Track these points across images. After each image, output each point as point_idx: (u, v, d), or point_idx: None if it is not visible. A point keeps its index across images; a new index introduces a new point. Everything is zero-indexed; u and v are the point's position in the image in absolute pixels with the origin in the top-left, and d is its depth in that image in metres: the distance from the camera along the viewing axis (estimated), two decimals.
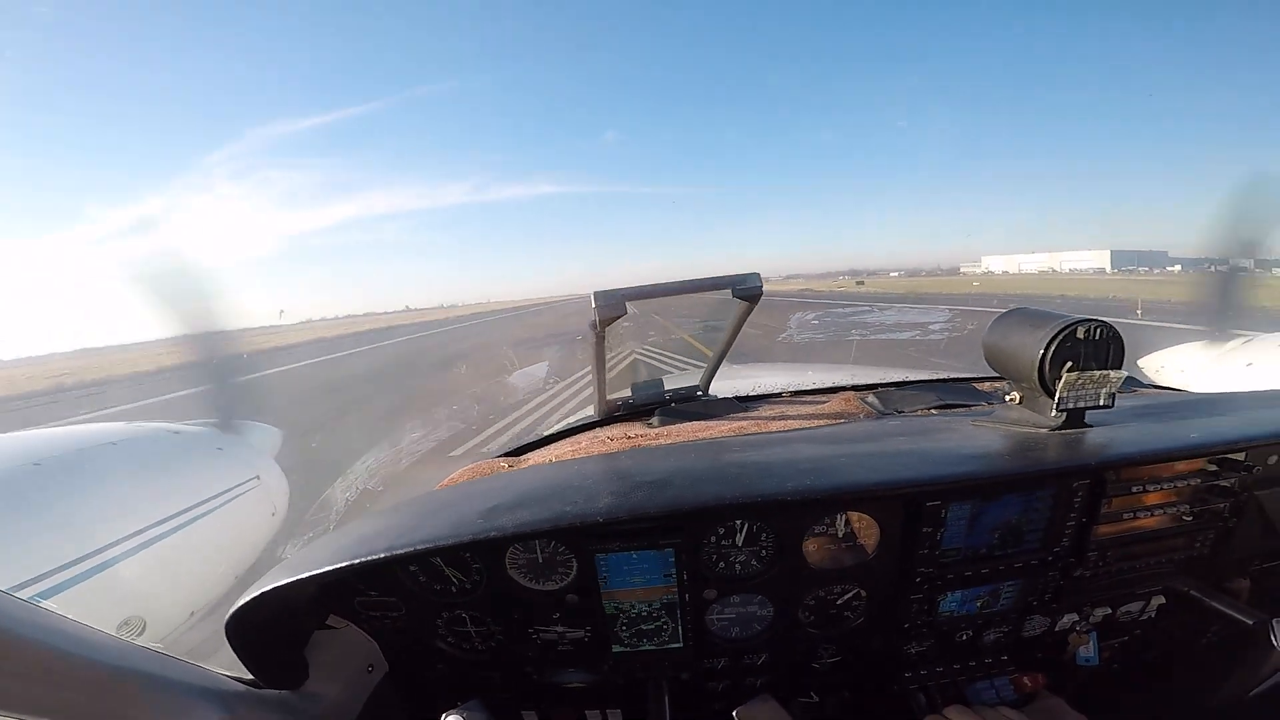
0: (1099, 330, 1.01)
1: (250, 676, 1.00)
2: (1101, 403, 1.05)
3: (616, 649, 1.20)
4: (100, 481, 2.75)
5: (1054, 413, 1.07)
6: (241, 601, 0.93)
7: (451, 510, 1.05)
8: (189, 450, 3.48)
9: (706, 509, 0.94)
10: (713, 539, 1.13)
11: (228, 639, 0.95)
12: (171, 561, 2.78)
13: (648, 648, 1.20)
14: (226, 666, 1.00)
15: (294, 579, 0.92)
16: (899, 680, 1.27)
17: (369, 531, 1.06)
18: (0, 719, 0.69)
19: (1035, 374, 1.05)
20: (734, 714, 1.03)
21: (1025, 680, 1.21)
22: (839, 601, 1.21)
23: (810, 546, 1.14)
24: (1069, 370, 1.01)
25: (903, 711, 1.22)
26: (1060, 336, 1.01)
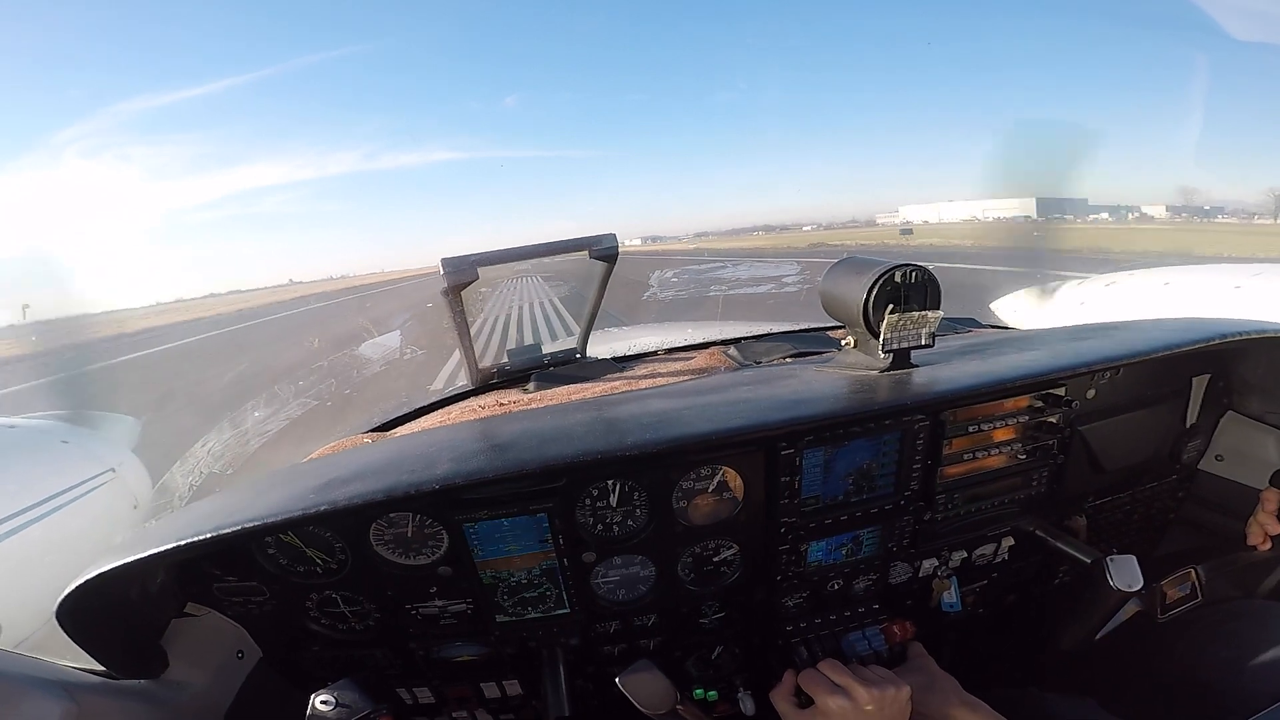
0: (915, 274, 1.07)
1: (101, 668, 0.97)
2: (923, 342, 1.11)
3: (501, 619, 1.19)
4: None
5: (881, 354, 1.12)
6: (70, 587, 0.89)
7: (290, 486, 1.00)
8: (28, 445, 3.27)
9: (550, 469, 0.94)
10: (587, 501, 1.13)
11: (61, 627, 0.91)
12: (18, 562, 2.60)
13: (534, 615, 1.20)
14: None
15: (125, 561, 0.87)
16: (781, 634, 1.31)
17: (207, 510, 1.03)
18: None
19: (861, 317, 1.10)
20: (617, 680, 1.04)
21: (895, 629, 1.24)
22: (715, 558, 1.24)
23: (682, 504, 1.16)
24: (891, 312, 1.07)
25: (787, 665, 1.25)
26: (881, 281, 1.06)
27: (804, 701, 1.11)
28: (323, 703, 0.99)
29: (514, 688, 1.32)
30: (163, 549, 0.85)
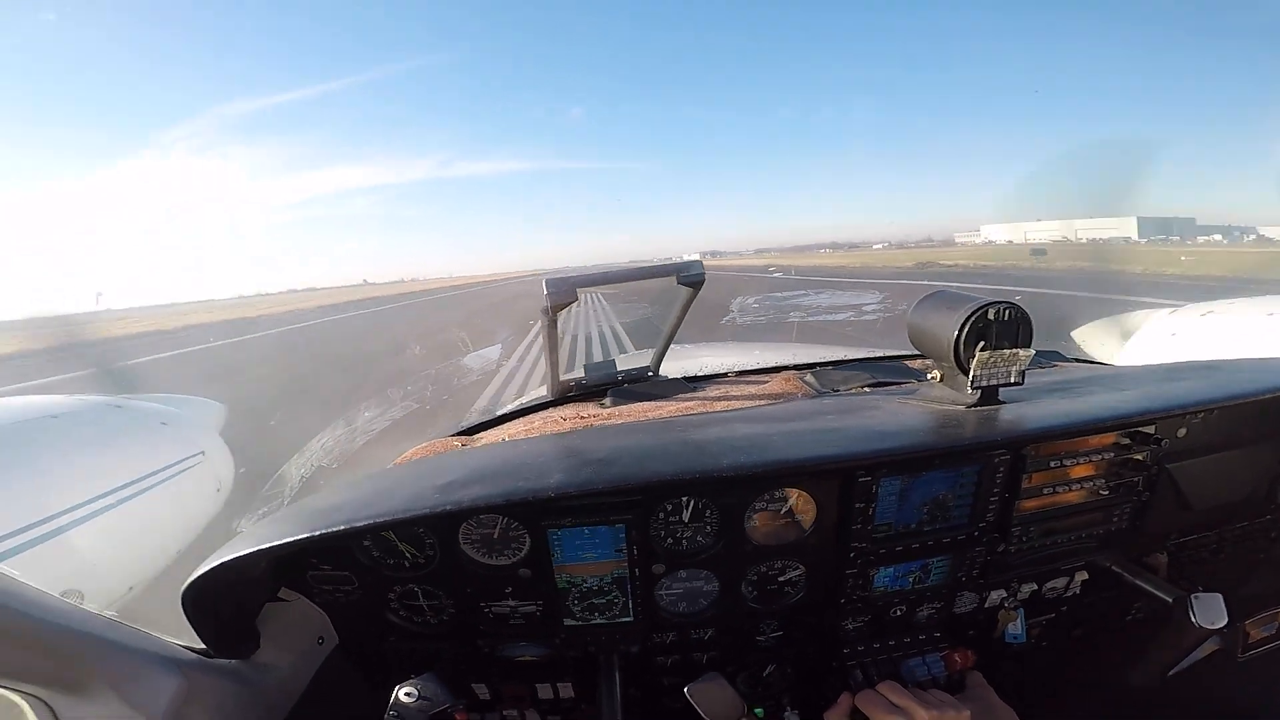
0: (1008, 311, 1.08)
1: (202, 645, 1.02)
2: (1012, 380, 1.11)
3: (568, 622, 1.22)
4: (40, 454, 2.72)
5: (970, 390, 1.13)
6: (199, 572, 0.95)
7: (408, 486, 1.07)
8: (133, 425, 3.44)
9: (649, 485, 0.98)
10: (661, 515, 1.16)
11: (183, 608, 0.97)
12: (112, 535, 2.77)
13: (599, 621, 1.23)
14: (174, 637, 1.03)
15: (252, 550, 0.93)
16: (838, 656, 1.31)
17: (325, 506, 1.07)
18: None
19: (951, 353, 1.11)
20: (685, 690, 1.06)
21: (956, 657, 1.24)
22: (780, 578, 1.25)
23: (753, 523, 1.19)
24: (981, 349, 1.07)
25: (841, 687, 1.26)
26: (973, 318, 1.07)
27: None
28: (406, 694, 1.03)
29: (567, 690, 1.35)
30: (295, 538, 0.92)
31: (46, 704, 0.80)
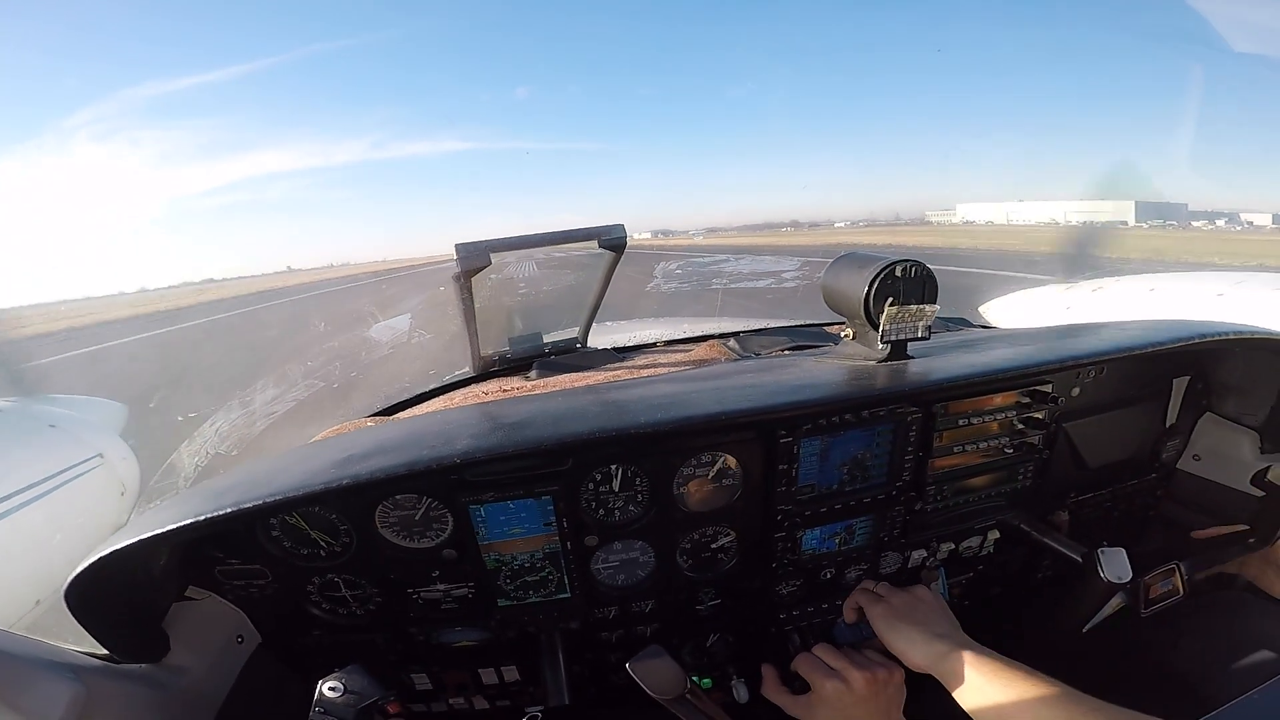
0: (914, 269, 1.11)
1: (104, 651, 0.96)
2: (920, 335, 1.16)
3: (502, 602, 1.20)
4: None
5: (880, 345, 1.16)
6: (79, 569, 0.88)
7: (305, 464, 1.01)
8: (17, 428, 3.27)
9: (562, 445, 0.96)
10: (590, 485, 1.15)
11: (69, 610, 0.90)
12: (7, 547, 2.64)
13: (534, 599, 1.20)
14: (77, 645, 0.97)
15: (135, 540, 0.86)
16: (775, 621, 1.34)
17: (217, 489, 1.01)
18: None
19: (862, 309, 1.14)
20: (627, 666, 1.04)
21: None
22: (713, 544, 1.27)
23: (683, 490, 1.19)
24: (890, 305, 1.11)
25: (780, 651, 1.29)
26: (882, 275, 1.10)
27: (798, 688, 1.14)
28: (330, 689, 0.98)
29: (511, 674, 1.33)
30: (176, 526, 0.86)
31: None
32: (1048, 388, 1.29)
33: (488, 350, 1.98)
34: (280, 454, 1.25)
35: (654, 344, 2.13)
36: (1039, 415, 1.30)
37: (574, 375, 1.78)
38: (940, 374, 1.12)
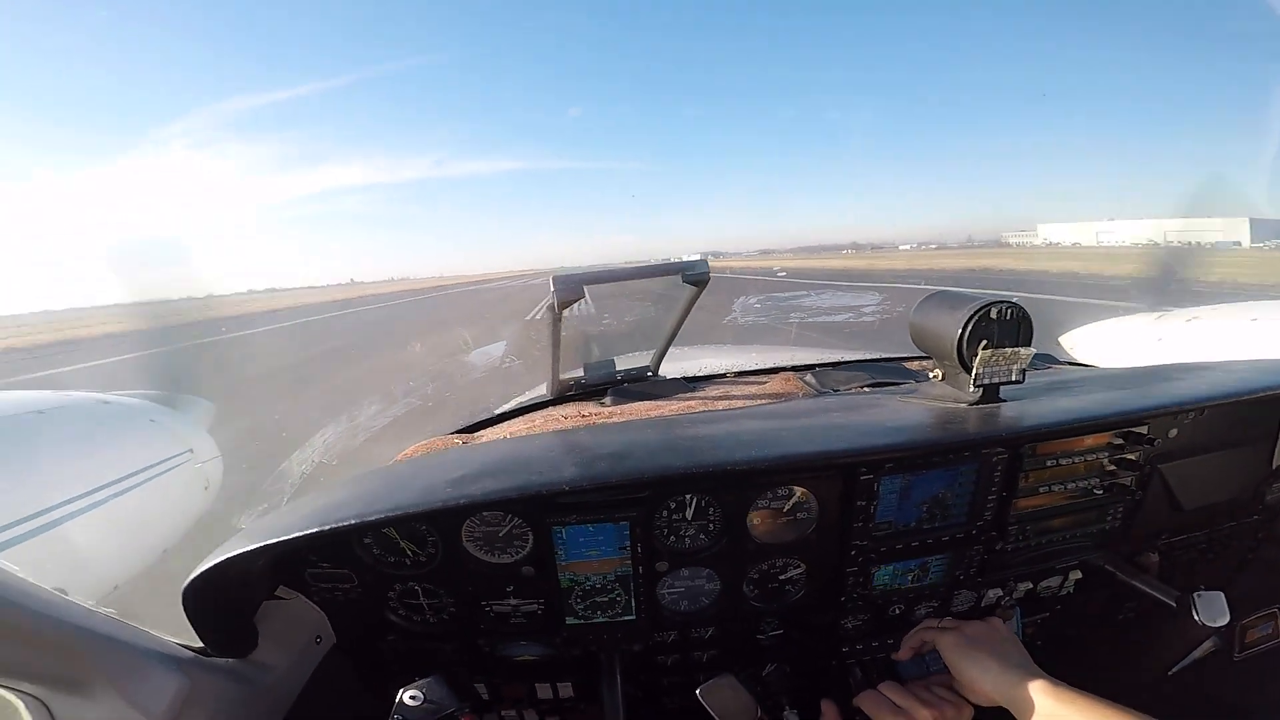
0: (1010, 311, 1.10)
1: (199, 644, 1.00)
2: (1014, 378, 1.14)
3: (570, 621, 1.22)
4: (24, 450, 2.67)
5: (972, 388, 1.15)
6: (201, 569, 0.93)
7: (419, 480, 1.06)
8: (120, 421, 3.37)
9: (664, 479, 0.99)
10: (664, 513, 1.17)
11: (184, 606, 0.95)
12: (97, 533, 2.71)
13: (601, 620, 1.23)
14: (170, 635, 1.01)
15: (256, 546, 0.92)
16: (837, 654, 1.33)
17: (332, 501, 1.05)
18: None
19: (954, 352, 1.13)
20: (697, 692, 1.04)
21: None
22: (781, 576, 1.26)
23: (754, 521, 1.19)
24: (984, 348, 1.10)
25: (841, 685, 1.27)
26: (976, 317, 1.09)
27: None
28: (411, 697, 1.00)
29: (566, 690, 1.35)
30: (306, 532, 0.91)
31: (44, 704, 0.77)
32: (1143, 429, 1.25)
33: (564, 375, 2.04)
34: (384, 469, 1.31)
35: (724, 374, 2.14)
36: (1132, 457, 1.26)
37: (649, 404, 1.81)
38: (1034, 419, 1.11)
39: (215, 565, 0.93)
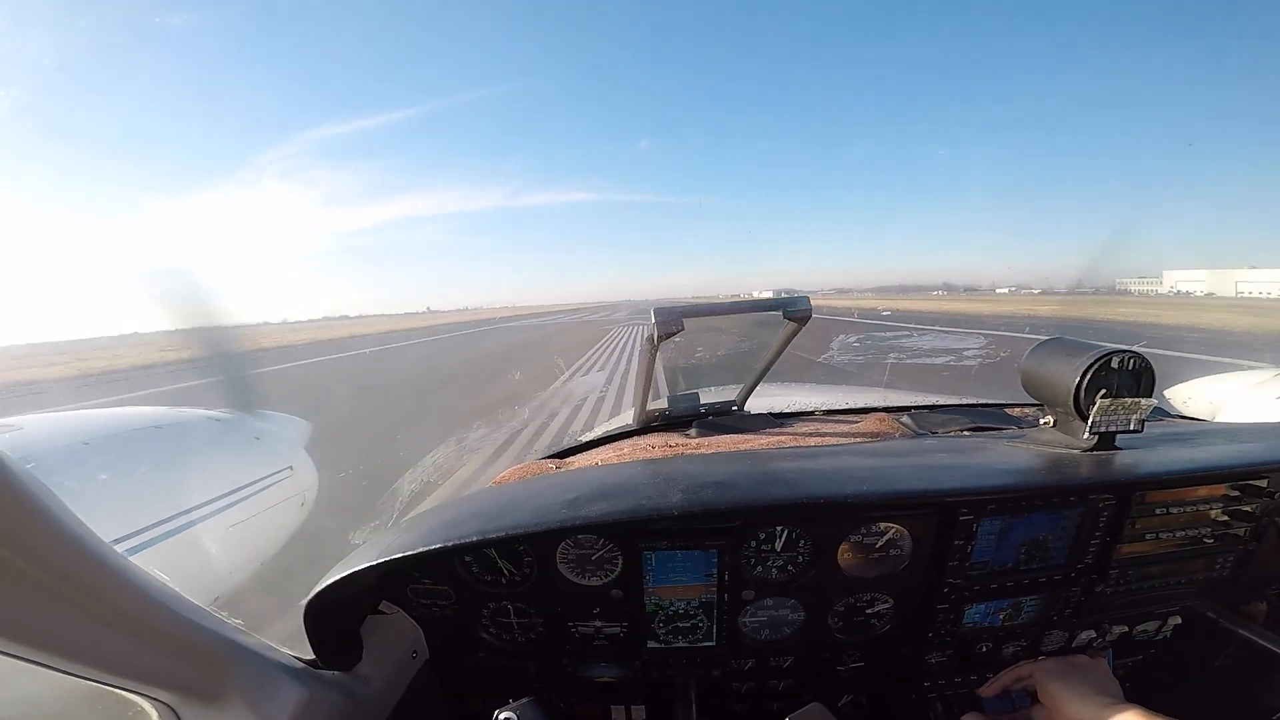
0: (1132, 361, 1.09)
1: (309, 656, 1.03)
2: (1132, 427, 1.11)
3: (651, 644, 1.25)
4: (144, 464, 2.81)
5: (1086, 435, 1.13)
6: (325, 583, 0.97)
7: (530, 502, 1.11)
8: (228, 437, 3.55)
9: (770, 508, 1.00)
10: (753, 543, 1.19)
11: (304, 619, 0.99)
12: (204, 545, 2.84)
13: (681, 644, 1.26)
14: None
15: (382, 560, 0.97)
16: (918, 689, 1.32)
17: (447, 519, 1.09)
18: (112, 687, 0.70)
19: (1071, 399, 1.11)
20: None
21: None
22: (868, 609, 1.26)
23: (845, 555, 1.20)
24: (1103, 397, 1.08)
25: (920, 718, 1.27)
26: (1096, 365, 1.08)
27: None
28: (506, 718, 1.00)
29: (639, 714, 1.36)
30: (428, 549, 0.96)
31: (174, 711, 0.78)
32: (1262, 482, 1.21)
33: (649, 406, 2.08)
34: (492, 489, 1.37)
35: (813, 412, 2.13)
36: (1249, 509, 1.22)
37: (734, 437, 1.81)
38: (1152, 467, 1.09)
39: (341, 579, 0.98)
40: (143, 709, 0.76)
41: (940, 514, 1.15)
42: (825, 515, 1.16)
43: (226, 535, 3.03)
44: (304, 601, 0.98)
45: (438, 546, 0.96)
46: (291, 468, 3.73)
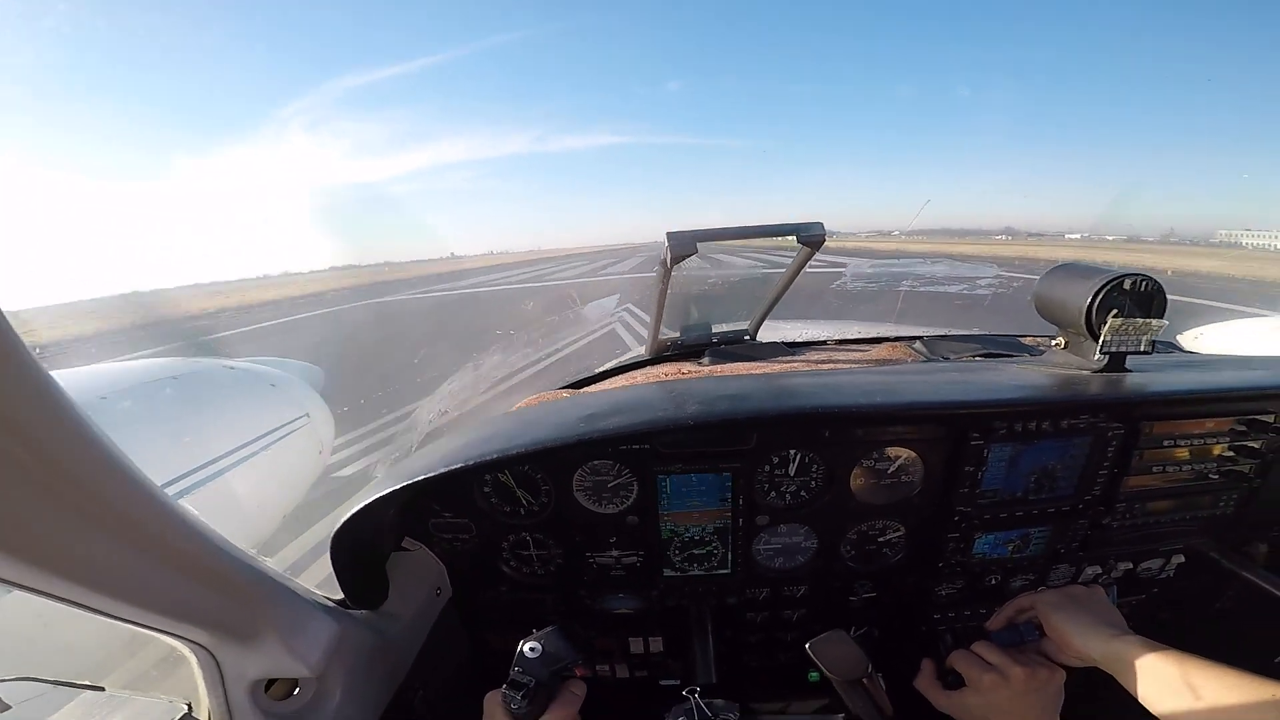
0: (1144, 283, 1.09)
1: (338, 596, 1.03)
2: (1143, 348, 1.12)
3: (667, 573, 1.28)
4: (163, 417, 2.87)
5: (1097, 355, 1.14)
6: (346, 515, 0.96)
7: (549, 419, 1.12)
8: (245, 386, 3.58)
9: (784, 417, 1.01)
10: (766, 467, 1.20)
11: (331, 555, 0.98)
12: (226, 499, 2.90)
13: (697, 572, 1.28)
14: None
15: (404, 484, 0.95)
16: (928, 620, 1.34)
17: (467, 441, 1.09)
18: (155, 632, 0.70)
19: (1083, 319, 1.12)
20: (807, 646, 1.04)
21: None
22: (880, 538, 1.29)
23: (857, 480, 1.22)
24: (1114, 317, 1.08)
25: (930, 650, 1.27)
26: (1108, 286, 1.08)
27: (950, 684, 1.13)
28: (530, 649, 1.01)
29: (657, 645, 1.40)
30: (449, 469, 0.95)
31: (211, 654, 0.79)
32: (1269, 417, 1.21)
33: (663, 335, 2.09)
34: (514, 413, 1.38)
35: (825, 342, 2.14)
36: (1255, 445, 1.22)
37: (747, 364, 1.83)
38: (1161, 387, 1.09)
39: (365, 507, 0.97)
40: (182, 654, 0.77)
41: (950, 440, 1.16)
42: (838, 434, 1.17)
43: (247, 488, 3.08)
44: (329, 535, 0.98)
45: (459, 466, 0.96)
46: (308, 415, 3.76)
